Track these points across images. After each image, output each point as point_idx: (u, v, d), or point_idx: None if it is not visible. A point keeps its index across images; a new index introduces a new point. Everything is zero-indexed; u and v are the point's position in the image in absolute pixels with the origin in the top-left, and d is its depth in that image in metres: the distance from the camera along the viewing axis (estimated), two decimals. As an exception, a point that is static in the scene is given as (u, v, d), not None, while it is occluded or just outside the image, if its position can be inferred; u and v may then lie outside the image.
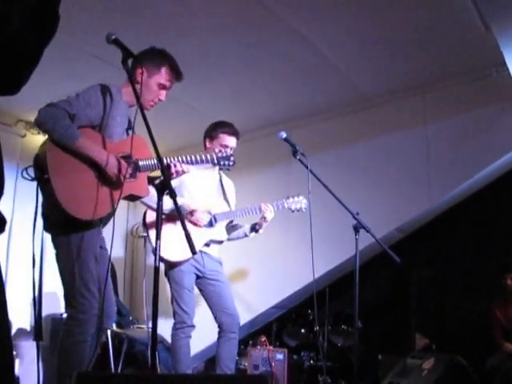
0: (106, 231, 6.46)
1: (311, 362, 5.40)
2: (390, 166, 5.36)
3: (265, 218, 4.18)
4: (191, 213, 4.03)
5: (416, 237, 5.62)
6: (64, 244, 2.90)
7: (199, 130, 4.30)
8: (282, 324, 5.93)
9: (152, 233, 3.90)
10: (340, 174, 5.36)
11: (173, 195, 2.41)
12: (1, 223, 1.44)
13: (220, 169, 3.66)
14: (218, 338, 4.08)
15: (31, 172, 2.84)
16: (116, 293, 6.66)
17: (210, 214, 4.12)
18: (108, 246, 3.02)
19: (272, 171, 5.98)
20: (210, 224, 4.10)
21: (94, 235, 2.96)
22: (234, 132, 4.19)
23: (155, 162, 3.02)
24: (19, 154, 5.81)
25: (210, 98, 5.50)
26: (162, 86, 3.18)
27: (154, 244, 3.73)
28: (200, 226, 4.04)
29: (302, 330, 5.62)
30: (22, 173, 2.83)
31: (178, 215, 2.44)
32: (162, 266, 4.05)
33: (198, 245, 3.98)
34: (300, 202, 4.26)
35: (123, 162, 2.93)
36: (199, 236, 4.03)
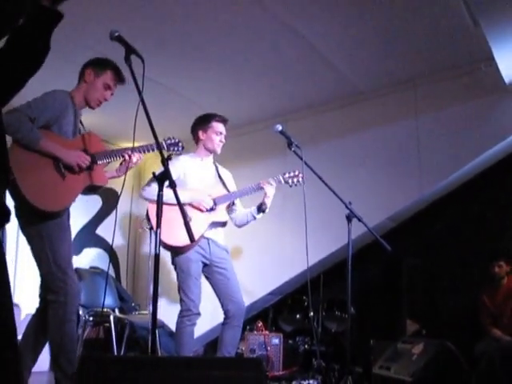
0: (110, 220, 6.59)
1: (306, 346, 5.49)
2: (382, 157, 5.43)
3: (266, 193, 4.24)
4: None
5: (407, 226, 5.69)
6: (36, 236, 3.16)
7: (196, 122, 4.39)
8: (277, 310, 6.03)
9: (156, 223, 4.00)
10: (333, 165, 5.42)
11: (172, 185, 2.53)
12: (5, 214, 1.57)
13: (169, 154, 3.81)
14: (223, 324, 4.13)
15: None
16: (119, 279, 6.83)
17: (211, 197, 4.19)
18: (108, 235, 3.27)
19: (268, 163, 6.02)
20: (211, 208, 4.17)
21: (62, 224, 3.26)
22: (223, 119, 4.33)
23: (109, 153, 3.42)
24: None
25: (208, 92, 5.56)
26: (107, 86, 3.45)
27: (160, 229, 3.87)
28: (202, 210, 4.12)
29: (297, 316, 5.69)
30: None
31: (178, 205, 2.54)
32: (168, 254, 4.19)
33: (201, 229, 4.09)
34: (296, 176, 4.31)
35: (82, 154, 3.25)
36: (202, 220, 4.11)
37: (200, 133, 4.32)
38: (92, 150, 3.34)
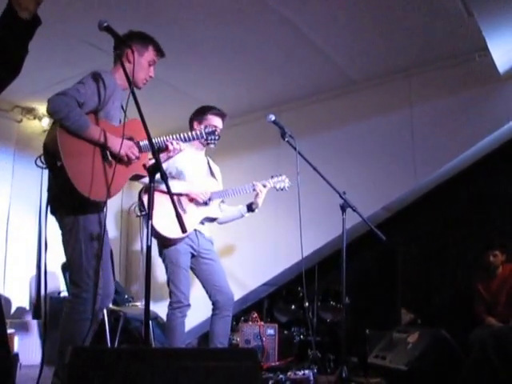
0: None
1: (301, 336, 5.52)
2: (377, 147, 5.45)
3: (258, 194, 4.29)
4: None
5: (402, 215, 5.72)
6: (73, 227, 3.01)
7: (190, 114, 4.39)
8: (273, 300, 6.07)
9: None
10: (327, 155, 5.43)
11: (164, 177, 2.51)
12: None
13: (207, 144, 3.76)
14: (212, 315, 4.14)
15: (41, 160, 2.94)
16: (112, 272, 6.80)
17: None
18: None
19: (262, 153, 6.04)
20: (205, 202, 4.17)
21: (99, 217, 3.10)
22: (220, 113, 4.31)
23: (155, 141, 3.17)
24: (15, 139, 5.90)
25: (201, 83, 5.56)
26: (152, 62, 3.34)
27: (153, 223, 3.85)
28: (199, 202, 4.12)
29: (293, 306, 5.73)
30: (35, 162, 2.93)
31: (169, 195, 2.52)
32: (155, 247, 4.18)
33: (194, 222, 4.10)
34: (283, 181, 4.41)
35: (131, 143, 3.11)
36: (196, 214, 4.13)
37: (195, 124, 4.31)
38: (137, 137, 3.18)
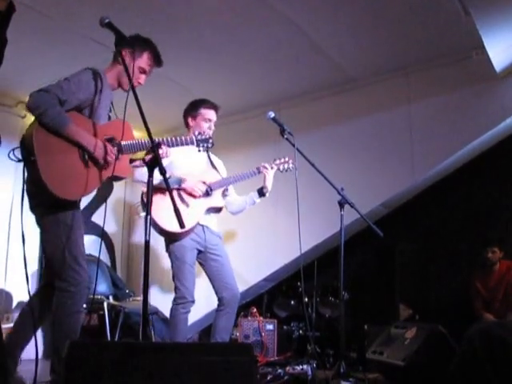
0: (102, 207, 6.57)
1: (300, 332, 5.52)
2: (375, 144, 5.46)
3: (265, 177, 4.31)
4: (184, 183, 4.12)
5: (400, 211, 5.74)
6: (52, 223, 3.04)
7: (192, 110, 4.40)
8: (272, 296, 6.06)
9: (153, 208, 4.01)
10: (326, 151, 5.44)
11: (162, 172, 2.52)
12: None
13: (198, 150, 3.74)
14: (217, 311, 4.16)
15: (18, 153, 2.97)
16: (114, 267, 6.84)
17: (205, 183, 4.20)
18: (101, 222, 3.19)
19: (261, 150, 6.04)
20: (207, 194, 4.19)
21: (78, 213, 3.15)
22: (213, 106, 4.32)
23: (137, 144, 3.21)
24: (19, 135, 5.89)
25: (202, 80, 5.57)
26: (142, 70, 3.32)
27: (155, 218, 3.88)
28: (196, 196, 4.12)
29: (292, 302, 5.70)
30: (8, 154, 2.95)
31: (168, 190, 2.54)
32: (161, 242, 4.20)
33: (199, 214, 4.11)
34: (287, 163, 4.41)
35: (110, 146, 3.10)
36: (199, 206, 4.13)
37: (189, 119, 4.33)
38: (120, 138, 3.18)
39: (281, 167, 4.40)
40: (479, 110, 4.94)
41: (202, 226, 4.17)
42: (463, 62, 5.01)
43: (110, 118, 3.34)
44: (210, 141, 3.62)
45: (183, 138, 3.46)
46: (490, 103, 4.89)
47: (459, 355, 3.24)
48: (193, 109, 4.33)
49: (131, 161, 3.36)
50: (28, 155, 2.89)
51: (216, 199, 4.27)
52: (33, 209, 3.09)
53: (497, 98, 4.86)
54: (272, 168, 4.35)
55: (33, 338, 2.93)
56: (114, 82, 3.28)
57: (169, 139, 3.41)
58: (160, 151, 3.24)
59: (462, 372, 3.12)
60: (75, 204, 3.11)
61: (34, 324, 3.13)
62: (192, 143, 3.53)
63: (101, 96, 3.13)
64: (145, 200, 4.08)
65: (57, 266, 3.06)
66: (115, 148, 3.15)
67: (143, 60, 3.30)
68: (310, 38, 4.80)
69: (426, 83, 5.26)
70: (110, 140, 3.15)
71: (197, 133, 3.61)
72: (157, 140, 3.23)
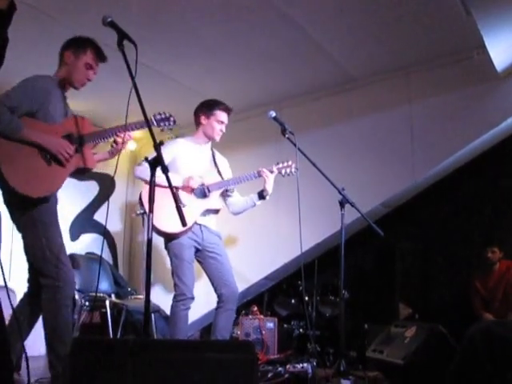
0: (104, 206, 6.60)
1: (300, 330, 5.54)
2: (376, 144, 5.47)
3: (266, 180, 4.28)
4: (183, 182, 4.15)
5: (400, 211, 5.75)
6: (29, 224, 3.15)
7: (193, 108, 4.42)
8: (273, 294, 6.08)
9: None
10: (327, 151, 5.45)
11: (165, 170, 2.54)
12: None
13: (161, 130, 3.67)
14: (217, 308, 4.18)
15: None
16: (116, 265, 6.87)
17: (204, 184, 4.22)
18: (103, 220, 3.25)
19: (262, 149, 6.06)
20: (204, 195, 4.21)
21: (53, 211, 3.26)
22: (228, 108, 4.34)
23: (95, 135, 3.39)
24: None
25: (205, 79, 5.58)
26: (88, 66, 3.42)
27: (152, 214, 3.89)
28: (191, 188, 4.15)
29: (292, 300, 5.75)
30: None
31: (170, 189, 2.55)
32: (161, 240, 4.23)
33: (195, 215, 4.13)
34: (289, 167, 4.35)
35: (67, 142, 3.23)
36: (195, 207, 4.15)
37: (202, 118, 4.34)
38: (79, 132, 3.32)
39: (282, 171, 4.36)
40: (480, 110, 4.95)
41: (200, 225, 4.19)
42: (464, 62, 5.02)
43: (67, 116, 3.46)
44: (172, 119, 3.63)
45: (143, 121, 3.48)
46: (491, 103, 4.89)
47: (460, 354, 3.26)
48: (208, 108, 4.33)
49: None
50: None
51: (213, 201, 4.28)
52: (11, 215, 3.22)
53: (498, 98, 4.87)
54: (272, 172, 4.33)
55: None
56: (66, 83, 3.41)
57: (130, 124, 3.45)
58: (119, 139, 3.47)
59: (462, 371, 3.13)
60: (47, 200, 3.21)
61: (21, 333, 3.21)
62: (152, 124, 3.50)
63: (51, 98, 3.25)
64: (142, 201, 4.15)
65: (40, 264, 3.17)
66: (74, 143, 3.28)
67: (88, 56, 3.41)
68: (312, 37, 4.81)
69: (427, 83, 5.27)
70: (69, 136, 3.28)
71: (156, 113, 3.63)
72: (116, 127, 3.43)
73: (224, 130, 4.35)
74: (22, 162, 3.08)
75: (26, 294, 3.40)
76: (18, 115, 3.08)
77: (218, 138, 4.35)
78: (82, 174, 3.46)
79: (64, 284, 3.13)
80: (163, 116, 3.63)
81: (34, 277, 3.30)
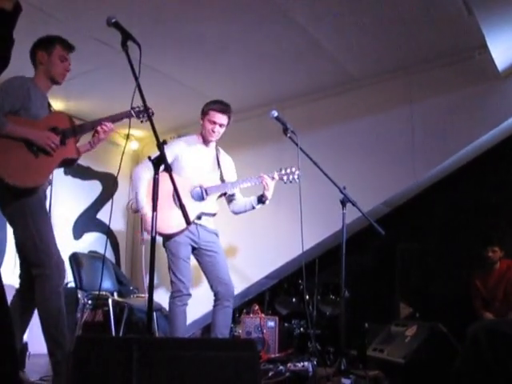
0: (107, 205, 6.61)
1: (301, 329, 5.56)
2: (377, 143, 5.49)
3: (265, 187, 4.22)
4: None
5: (401, 210, 5.77)
6: (20, 216, 3.25)
7: (196, 109, 4.41)
8: (274, 293, 6.10)
9: (147, 207, 4.01)
10: (329, 150, 5.48)
11: (168, 169, 2.58)
12: None
13: (141, 122, 3.65)
14: (214, 306, 4.19)
15: None
16: (119, 264, 6.89)
17: (202, 187, 4.21)
18: (106, 219, 3.31)
19: (264, 149, 6.08)
20: (202, 197, 4.20)
21: (41, 203, 3.37)
22: (221, 109, 4.26)
23: (79, 127, 3.53)
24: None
25: (206, 80, 5.60)
26: (62, 58, 3.51)
27: (148, 221, 3.92)
28: (194, 197, 4.17)
29: (293, 299, 5.77)
30: None
31: (174, 188, 2.57)
32: (159, 238, 4.25)
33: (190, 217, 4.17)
34: (292, 173, 4.25)
35: (52, 134, 3.34)
36: (190, 209, 4.03)
37: (201, 117, 4.35)
38: (61, 126, 3.44)
39: (284, 178, 4.27)
40: (481, 110, 4.96)
41: (196, 224, 4.19)
42: (465, 62, 5.04)
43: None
44: (150, 110, 3.47)
45: (122, 113, 3.64)
46: (492, 103, 4.91)
47: (464, 352, 3.27)
48: (204, 108, 4.34)
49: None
50: None
51: (209, 205, 4.25)
52: (1, 210, 3.30)
53: (499, 98, 4.89)
54: (273, 179, 4.27)
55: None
56: (45, 82, 3.51)
57: (111, 116, 3.63)
58: (103, 128, 3.57)
59: (466, 369, 3.14)
60: (36, 192, 3.29)
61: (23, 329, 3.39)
62: (131, 116, 3.64)
63: (31, 96, 3.34)
64: (130, 209, 4.16)
65: (31, 254, 3.26)
66: (59, 135, 3.38)
67: (58, 50, 3.50)
68: (314, 38, 4.83)
69: (428, 83, 5.28)
70: (54, 129, 3.39)
71: (135, 105, 3.63)
72: (97, 119, 3.58)
73: (217, 131, 4.28)
74: (9, 155, 3.19)
75: (18, 290, 3.46)
76: (3, 112, 3.19)
77: (211, 139, 4.31)
78: (70, 165, 3.59)
79: (55, 272, 3.23)
80: (141, 108, 3.67)
81: (25, 272, 3.39)
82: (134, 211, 4.29)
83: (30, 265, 3.28)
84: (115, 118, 3.62)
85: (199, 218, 4.22)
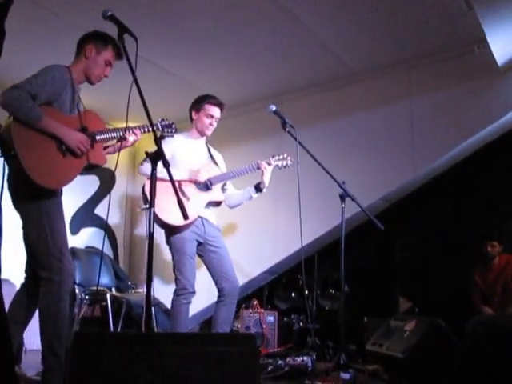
0: (104, 200, 6.60)
1: (300, 324, 5.57)
2: (376, 138, 5.47)
3: (263, 173, 4.31)
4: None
5: (401, 205, 5.75)
6: (35, 215, 3.12)
7: (193, 103, 4.42)
8: (273, 288, 6.12)
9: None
10: (328, 145, 5.47)
11: (166, 165, 2.57)
12: None
13: (163, 137, 3.82)
14: (217, 302, 4.18)
15: None
16: (117, 259, 6.89)
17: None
18: (105, 215, 3.25)
19: (263, 143, 6.05)
20: (207, 188, 4.22)
21: (59, 203, 3.25)
22: (217, 103, 4.33)
23: (109, 132, 3.39)
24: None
25: (204, 74, 5.59)
26: (107, 63, 3.42)
27: (156, 211, 3.91)
28: (201, 185, 4.18)
29: (292, 294, 5.80)
30: None
31: (171, 183, 2.57)
32: (161, 234, 4.23)
33: (199, 208, 4.15)
34: (285, 159, 4.42)
35: (83, 135, 3.22)
36: (199, 200, 4.16)
37: (193, 113, 4.36)
38: (91, 127, 3.31)
39: (279, 164, 4.41)
40: (481, 105, 4.94)
41: (202, 217, 4.20)
42: (465, 57, 5.02)
43: (79, 111, 3.44)
44: (174, 126, 3.78)
45: (151, 124, 3.58)
46: (491, 97, 4.89)
47: (463, 347, 3.27)
48: (197, 103, 4.35)
49: (104, 148, 3.51)
50: (8, 150, 2.99)
51: (216, 193, 4.30)
52: (15, 203, 3.16)
53: (499, 93, 4.87)
54: (270, 165, 4.36)
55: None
56: (80, 76, 3.39)
57: (140, 126, 3.56)
58: (131, 138, 3.50)
59: (466, 364, 3.14)
60: (56, 193, 3.21)
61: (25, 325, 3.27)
62: (158, 129, 3.68)
63: (68, 89, 3.25)
64: (145, 192, 4.10)
65: (40, 256, 3.14)
66: (89, 138, 3.27)
67: (108, 53, 3.40)
68: (313, 31, 4.82)
69: (428, 77, 5.27)
70: (83, 130, 3.28)
71: (160, 119, 3.74)
72: (130, 131, 3.48)
73: (214, 125, 4.34)
74: (38, 151, 3.05)
75: (23, 285, 3.37)
76: (38, 103, 3.06)
77: (207, 133, 4.35)
78: (90, 169, 3.44)
79: (64, 278, 3.12)
80: (167, 123, 3.76)
81: (32, 268, 3.29)
82: (140, 207, 4.28)
83: (39, 266, 3.16)
84: (144, 128, 3.56)
85: (208, 207, 4.25)
